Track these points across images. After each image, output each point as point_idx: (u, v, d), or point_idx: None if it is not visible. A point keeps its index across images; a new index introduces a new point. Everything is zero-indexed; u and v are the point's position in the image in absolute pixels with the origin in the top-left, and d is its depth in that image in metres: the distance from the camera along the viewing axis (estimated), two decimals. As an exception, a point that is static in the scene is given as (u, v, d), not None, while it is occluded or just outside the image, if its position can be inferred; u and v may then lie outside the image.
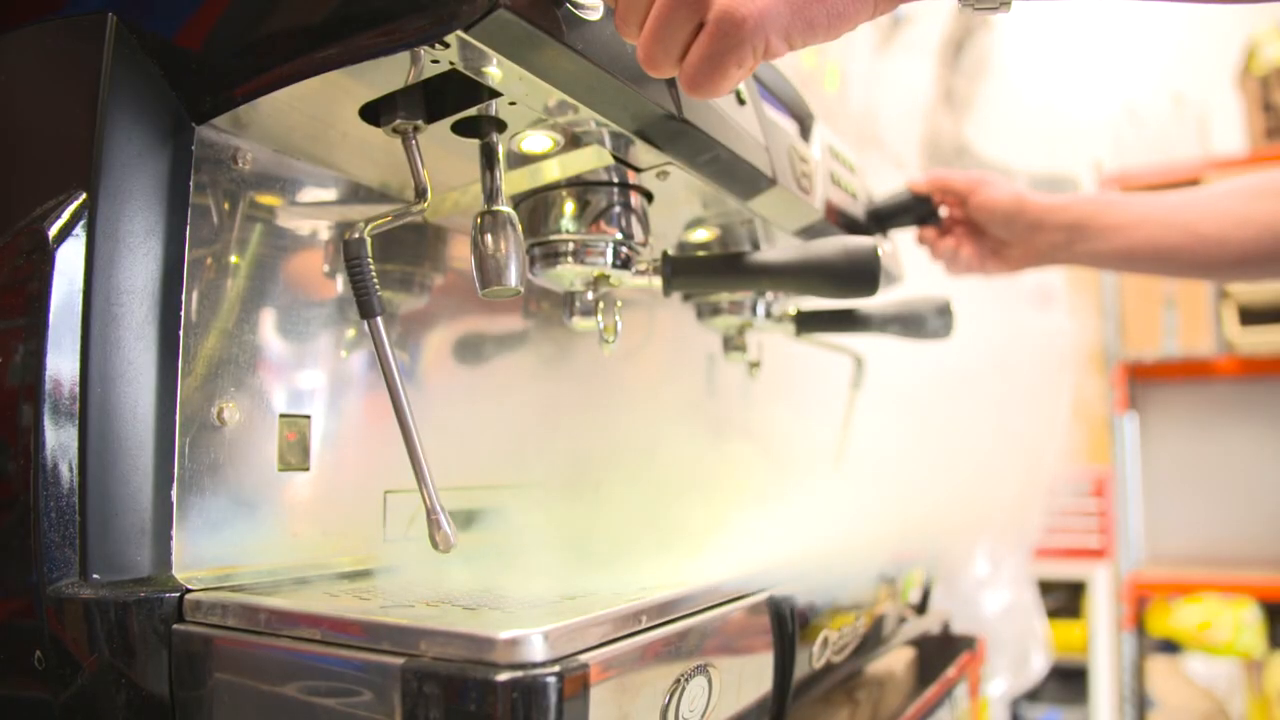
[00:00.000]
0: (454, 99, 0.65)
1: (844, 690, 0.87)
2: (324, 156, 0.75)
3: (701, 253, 0.97)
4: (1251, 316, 2.85)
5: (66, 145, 0.64)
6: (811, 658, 0.74)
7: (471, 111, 0.66)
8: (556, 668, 0.47)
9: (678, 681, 0.57)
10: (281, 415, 0.73)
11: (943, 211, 1.17)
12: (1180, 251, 1.06)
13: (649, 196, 0.83)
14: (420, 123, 0.65)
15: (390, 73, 0.61)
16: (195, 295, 0.67)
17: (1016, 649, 2.17)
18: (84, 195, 0.61)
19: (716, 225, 0.95)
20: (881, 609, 0.89)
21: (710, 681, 0.60)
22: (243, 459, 0.69)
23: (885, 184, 1.18)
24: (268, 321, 0.72)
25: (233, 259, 0.70)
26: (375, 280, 0.63)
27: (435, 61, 0.58)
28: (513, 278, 0.66)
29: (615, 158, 0.75)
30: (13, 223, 0.63)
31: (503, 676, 0.46)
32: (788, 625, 0.69)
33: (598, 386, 0.96)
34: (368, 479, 0.79)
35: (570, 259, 0.79)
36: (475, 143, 0.69)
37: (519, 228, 0.68)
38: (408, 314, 0.86)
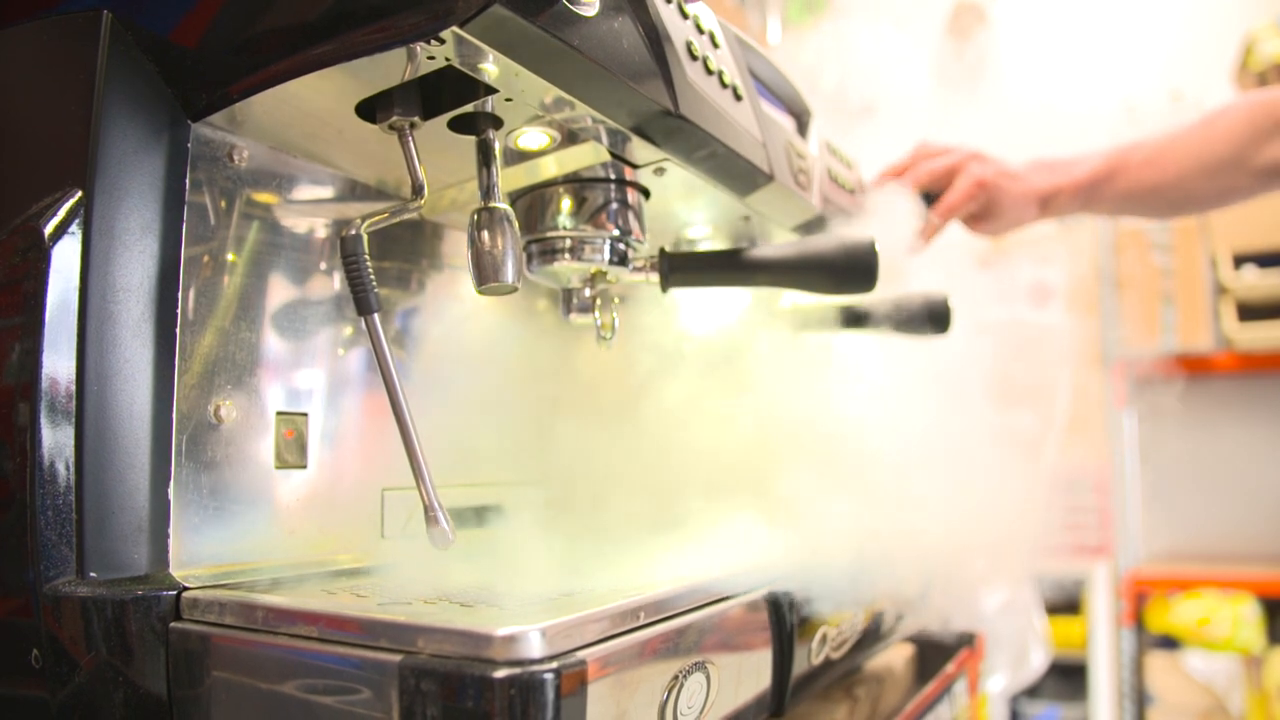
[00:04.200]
0: (450, 95, 0.65)
1: (843, 687, 0.87)
2: (320, 153, 0.75)
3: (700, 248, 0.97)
4: (1250, 313, 2.85)
5: (62, 143, 0.64)
6: (810, 654, 0.74)
7: (468, 108, 0.66)
8: (554, 664, 0.47)
9: (676, 678, 0.57)
10: (279, 413, 0.73)
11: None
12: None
13: (645, 193, 0.83)
14: (416, 119, 0.65)
15: (386, 69, 0.60)
16: (192, 293, 0.67)
17: (1016, 645, 2.17)
18: (79, 193, 0.61)
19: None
20: (880, 605, 0.89)
21: (708, 678, 0.60)
22: (240, 457, 0.69)
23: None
24: (265, 319, 0.72)
25: (229, 256, 0.70)
26: (372, 277, 0.62)
27: (431, 58, 0.58)
28: (510, 274, 0.66)
29: (612, 154, 0.75)
30: (8, 221, 0.63)
31: (500, 673, 0.46)
32: (786, 622, 0.69)
33: (597, 384, 0.96)
34: (365, 476, 0.79)
35: (567, 255, 0.79)
36: (472, 139, 0.69)
37: (516, 224, 0.68)
38: (405, 311, 0.86)
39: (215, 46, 0.65)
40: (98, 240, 0.61)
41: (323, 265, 0.78)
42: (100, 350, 0.61)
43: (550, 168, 0.77)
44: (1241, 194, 1.19)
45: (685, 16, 0.74)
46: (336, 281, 0.78)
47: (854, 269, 0.79)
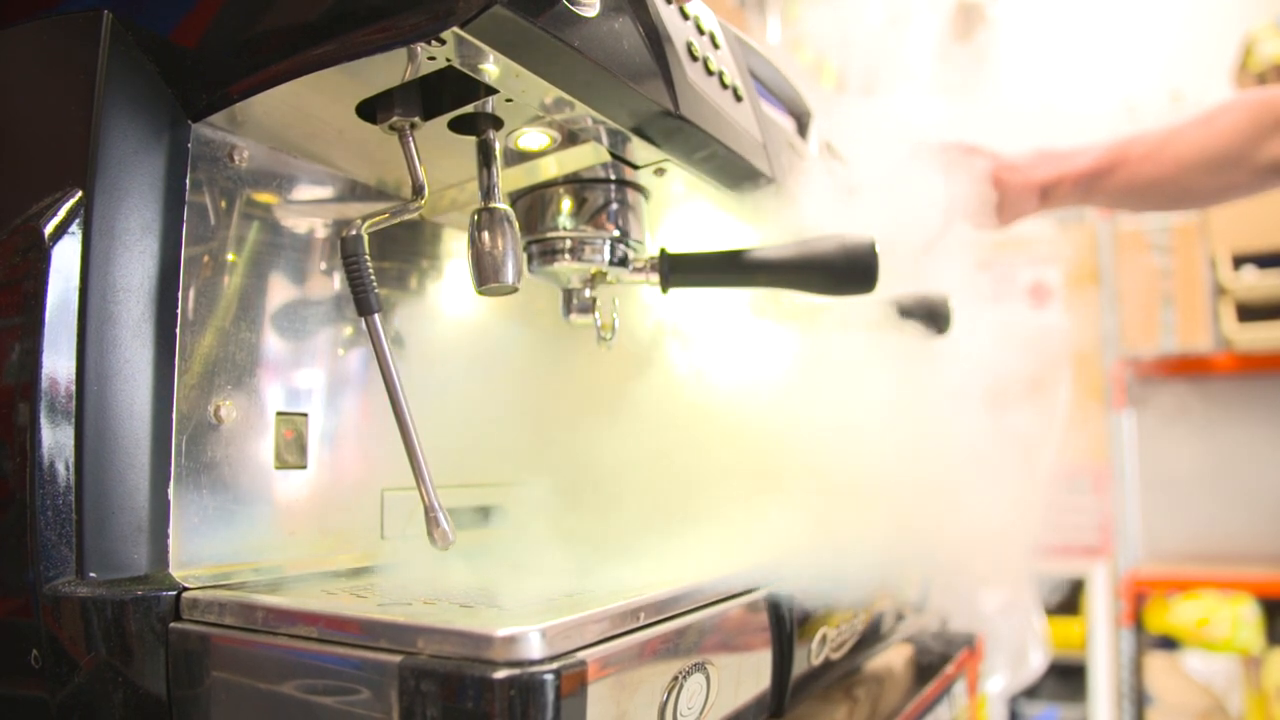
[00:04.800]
0: (451, 96, 0.65)
1: (842, 687, 0.87)
2: (321, 154, 0.75)
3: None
4: (1249, 313, 2.85)
5: (62, 143, 0.64)
6: (810, 655, 0.74)
7: (468, 108, 0.66)
8: (554, 665, 0.47)
9: (676, 679, 0.57)
10: (279, 413, 0.73)
11: None
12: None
13: (644, 193, 0.83)
14: (417, 120, 0.65)
15: (387, 70, 0.60)
16: (192, 293, 0.67)
17: (1015, 646, 2.17)
18: (80, 193, 0.61)
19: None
20: (879, 606, 0.89)
21: (708, 679, 0.60)
22: (240, 457, 0.69)
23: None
24: (265, 319, 0.72)
25: (229, 257, 0.70)
26: (373, 278, 0.62)
27: (432, 58, 0.58)
28: (510, 275, 0.66)
29: (612, 154, 0.75)
30: (8, 221, 0.63)
31: (500, 674, 0.46)
32: (786, 623, 0.69)
33: (597, 383, 0.96)
34: (365, 477, 0.79)
35: (567, 256, 0.79)
36: (472, 140, 0.69)
37: (516, 224, 0.68)
38: (405, 311, 0.86)
39: (215, 47, 0.65)
40: (98, 240, 0.61)
41: (323, 265, 0.78)
42: (100, 350, 0.61)
43: (550, 168, 0.77)
44: (1241, 190, 1.19)
45: (686, 17, 0.74)
46: (336, 282, 0.78)
47: (854, 270, 0.79)
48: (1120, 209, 1.36)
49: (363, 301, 0.62)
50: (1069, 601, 3.00)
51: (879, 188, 1.11)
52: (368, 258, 0.62)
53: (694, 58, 0.73)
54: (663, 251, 0.84)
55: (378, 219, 0.64)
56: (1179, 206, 1.28)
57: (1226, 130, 1.16)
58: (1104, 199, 1.26)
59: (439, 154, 0.73)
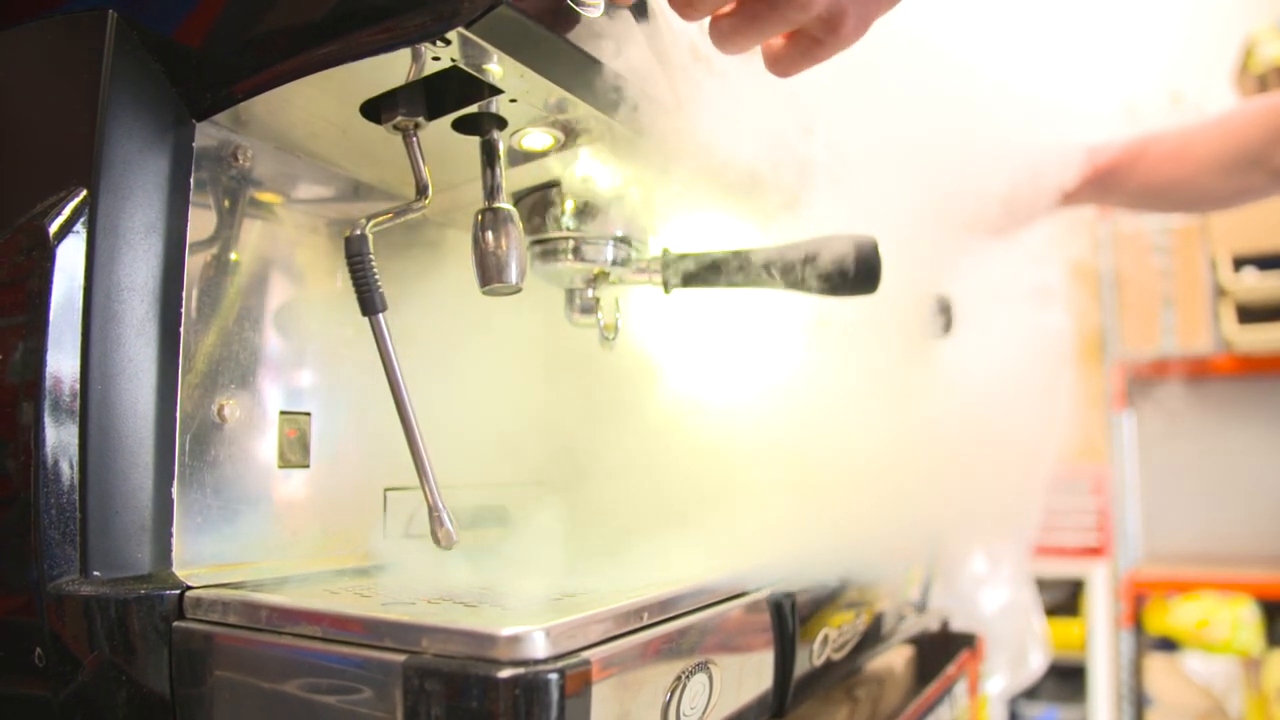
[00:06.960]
0: (455, 96, 0.65)
1: (844, 688, 0.87)
2: (324, 153, 0.75)
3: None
4: (1249, 315, 2.85)
5: (67, 142, 0.64)
6: (811, 655, 0.74)
7: (472, 108, 0.66)
8: (558, 665, 0.47)
9: (679, 679, 0.57)
10: (282, 412, 0.73)
11: None
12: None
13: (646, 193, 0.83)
14: (421, 120, 0.65)
15: (391, 70, 0.61)
16: (196, 292, 0.67)
17: (1015, 647, 2.18)
18: (84, 192, 0.61)
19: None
20: (881, 606, 0.89)
21: (711, 679, 0.60)
22: (243, 456, 0.69)
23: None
24: (268, 318, 0.72)
25: (233, 256, 0.70)
26: (377, 277, 0.63)
27: (436, 59, 0.58)
28: (513, 275, 0.66)
29: (615, 155, 0.75)
30: (13, 219, 0.63)
31: (505, 673, 0.46)
32: (788, 623, 0.70)
33: (601, 383, 0.96)
34: (368, 476, 0.79)
35: (570, 256, 0.79)
36: (476, 140, 0.69)
37: (519, 225, 0.68)
38: (409, 311, 0.86)
39: (219, 46, 0.65)
40: (102, 239, 0.61)
41: (327, 265, 0.78)
42: (104, 349, 0.61)
43: (554, 168, 0.77)
44: (1258, 193, 1.18)
45: (689, 17, 0.74)
46: (340, 281, 0.78)
47: (857, 270, 0.79)
48: (1135, 209, 1.34)
49: (367, 301, 0.62)
50: (1069, 602, 3.00)
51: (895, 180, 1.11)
52: (372, 257, 0.62)
53: (698, 57, 0.73)
54: (665, 252, 0.84)
55: (382, 219, 0.64)
56: (1194, 209, 1.27)
57: (1243, 130, 1.15)
58: (1121, 198, 1.25)
59: (443, 154, 0.73)
